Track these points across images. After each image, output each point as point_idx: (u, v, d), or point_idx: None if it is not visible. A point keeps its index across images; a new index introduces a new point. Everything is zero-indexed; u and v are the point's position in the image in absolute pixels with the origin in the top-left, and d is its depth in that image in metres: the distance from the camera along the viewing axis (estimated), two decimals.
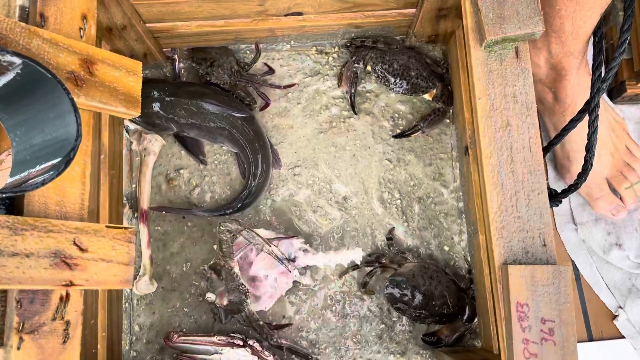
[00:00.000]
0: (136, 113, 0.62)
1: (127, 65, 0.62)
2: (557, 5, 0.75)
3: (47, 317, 0.52)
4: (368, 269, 0.87)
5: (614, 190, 0.92)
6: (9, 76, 0.52)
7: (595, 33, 0.79)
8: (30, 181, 0.49)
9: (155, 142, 0.90)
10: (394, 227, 0.89)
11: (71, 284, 0.53)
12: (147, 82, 0.89)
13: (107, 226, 0.57)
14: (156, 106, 0.87)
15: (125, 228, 0.59)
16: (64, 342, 0.53)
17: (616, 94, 0.95)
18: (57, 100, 0.49)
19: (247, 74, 0.93)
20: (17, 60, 0.50)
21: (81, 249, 0.54)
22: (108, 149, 0.82)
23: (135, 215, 0.90)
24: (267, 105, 0.93)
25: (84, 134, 0.58)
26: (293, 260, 0.83)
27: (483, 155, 0.62)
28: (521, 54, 0.63)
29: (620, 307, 0.92)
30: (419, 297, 0.81)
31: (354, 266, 0.87)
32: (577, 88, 0.87)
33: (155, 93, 0.87)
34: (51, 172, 0.48)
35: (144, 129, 0.91)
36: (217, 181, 0.92)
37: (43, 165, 0.51)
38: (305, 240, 0.87)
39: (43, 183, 0.50)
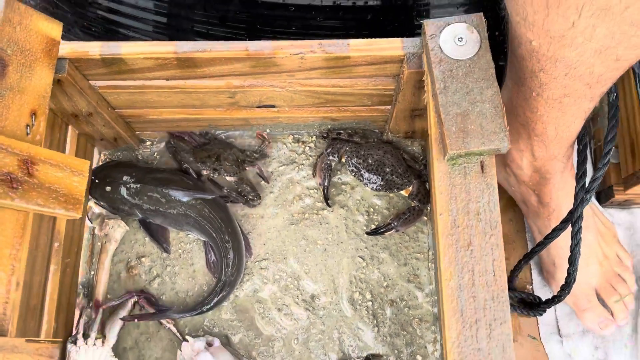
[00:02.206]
0: (77, 215, 0.59)
1: (73, 165, 0.59)
2: (538, 111, 0.72)
3: None
4: None
5: (602, 302, 0.86)
6: None
7: (580, 141, 0.76)
8: None
9: (117, 229, 0.87)
10: (380, 356, 0.83)
11: None
12: (114, 166, 0.88)
13: (27, 340, 0.53)
14: (122, 191, 0.84)
15: (49, 342, 0.54)
16: None
17: (604, 198, 0.91)
18: None
19: (253, 160, 0.91)
20: None
21: None
22: (64, 236, 0.79)
23: (90, 305, 0.85)
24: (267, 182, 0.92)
25: (16, 235, 0.55)
26: None
27: (442, 277, 0.57)
28: (486, 169, 0.60)
29: None
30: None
31: None
32: (562, 192, 0.84)
33: (123, 178, 0.85)
34: None
35: (109, 213, 0.88)
36: (179, 272, 0.88)
37: None
38: None
39: None
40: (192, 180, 0.87)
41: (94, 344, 0.78)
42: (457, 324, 0.56)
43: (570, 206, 0.74)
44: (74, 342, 0.78)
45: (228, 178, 0.89)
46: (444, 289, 0.57)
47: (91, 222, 0.90)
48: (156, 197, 0.84)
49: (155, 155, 0.94)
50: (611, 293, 0.87)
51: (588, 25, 0.52)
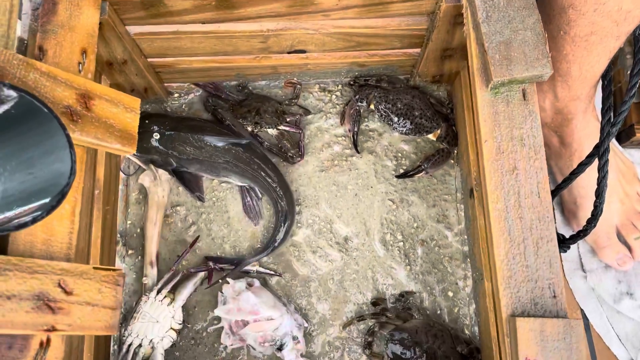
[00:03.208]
0: (132, 150, 0.60)
1: (126, 101, 0.60)
2: (564, 50, 0.74)
3: None
4: (373, 321, 0.83)
5: (622, 239, 0.89)
6: (3, 108, 0.50)
7: (604, 76, 0.77)
8: (17, 220, 0.46)
9: (170, 182, 0.89)
10: (413, 292, 0.86)
11: (53, 329, 0.50)
12: (146, 117, 0.88)
13: (94, 268, 0.54)
14: (156, 141, 0.85)
15: (114, 270, 0.56)
16: None
17: (625, 137, 0.93)
18: (51, 135, 0.47)
19: (292, 111, 0.92)
20: (12, 94, 0.49)
21: (66, 292, 0.52)
22: (103, 185, 0.80)
23: (128, 252, 0.87)
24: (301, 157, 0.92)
25: (77, 170, 0.56)
26: (280, 348, 0.80)
27: (489, 200, 0.59)
28: (528, 96, 0.62)
29: None
30: (420, 355, 0.77)
31: (359, 317, 0.83)
32: (584, 132, 0.86)
33: (155, 127, 0.86)
34: (40, 212, 0.46)
35: (144, 165, 0.90)
36: (214, 219, 0.89)
37: (32, 204, 0.49)
38: (302, 322, 0.83)
39: (33, 221, 0.47)
40: (225, 127, 0.88)
41: (161, 301, 0.80)
42: (505, 243, 0.58)
43: (592, 146, 0.76)
44: (147, 294, 0.81)
45: (270, 131, 0.90)
46: (492, 212, 0.59)
47: (125, 174, 0.91)
48: (191, 144, 0.85)
49: (183, 107, 0.95)
50: (631, 230, 0.89)
51: None
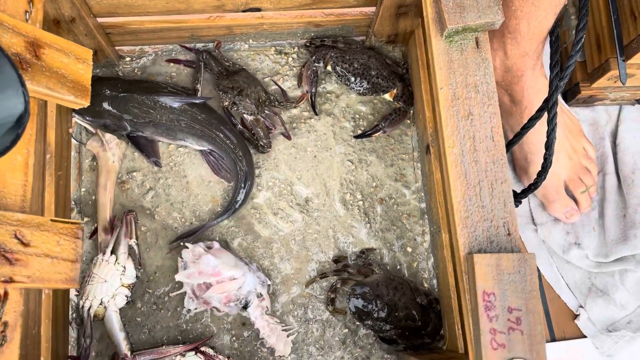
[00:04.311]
0: (86, 103, 0.58)
1: (77, 51, 0.58)
2: (512, 6, 0.76)
3: None
4: (335, 278, 0.84)
5: (570, 194, 0.93)
6: None
7: (551, 32, 0.80)
8: None
9: (120, 146, 0.87)
10: (374, 249, 0.87)
11: (11, 280, 0.48)
12: (97, 80, 0.86)
13: (52, 220, 0.53)
14: (109, 104, 0.83)
15: (72, 223, 0.55)
16: (1, 344, 0.48)
17: (570, 96, 0.98)
18: (1, 75, 0.45)
19: (275, 106, 0.90)
20: None
21: (23, 243, 0.50)
22: (54, 150, 0.78)
23: (84, 220, 0.85)
24: (288, 138, 0.91)
25: (29, 118, 0.54)
26: (245, 307, 0.80)
27: (446, 145, 0.61)
28: (481, 44, 0.63)
29: (581, 307, 0.92)
30: (382, 307, 0.79)
31: (322, 274, 0.84)
32: (533, 89, 0.89)
33: (107, 90, 0.83)
34: None
35: (99, 130, 0.87)
36: (172, 184, 0.88)
37: None
38: (265, 279, 0.83)
39: None
40: (179, 89, 0.87)
41: (107, 261, 0.79)
42: (462, 185, 0.60)
43: (541, 103, 0.79)
44: (95, 257, 0.81)
45: (245, 116, 0.88)
46: (448, 156, 0.61)
47: (76, 140, 0.88)
48: (146, 106, 0.83)
49: (136, 71, 0.92)
50: (578, 185, 0.94)
51: None
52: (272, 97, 0.89)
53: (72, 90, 0.57)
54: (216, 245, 0.83)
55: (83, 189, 0.87)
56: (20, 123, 0.46)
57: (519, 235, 0.59)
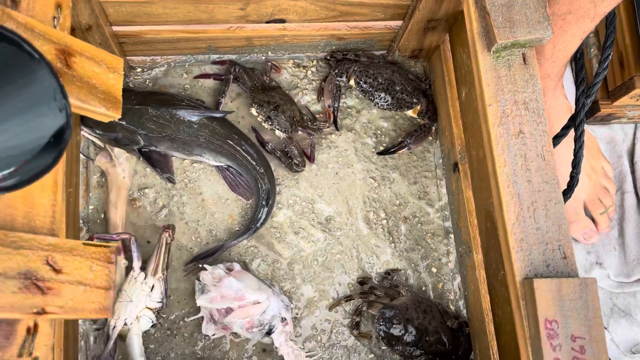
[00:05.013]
0: (117, 115, 0.54)
1: (108, 60, 0.54)
2: None
3: (12, 354, 0.42)
4: (360, 300, 0.80)
5: (589, 215, 0.92)
6: None
7: (576, 51, 0.79)
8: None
9: (130, 161, 0.82)
10: (399, 270, 0.84)
11: (43, 311, 0.43)
12: None
13: (84, 243, 0.48)
14: (120, 117, 0.78)
15: (105, 246, 0.50)
16: None
17: (589, 114, 0.97)
18: (37, 85, 0.41)
19: (309, 127, 0.86)
20: None
21: (55, 270, 0.45)
22: (65, 164, 0.72)
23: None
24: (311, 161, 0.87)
25: None
26: (269, 332, 0.76)
27: (496, 164, 0.58)
28: (529, 60, 0.61)
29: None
30: (412, 331, 0.75)
31: (347, 297, 0.80)
32: (554, 110, 0.88)
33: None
34: (31, 172, 0.40)
35: (108, 145, 0.82)
36: (187, 201, 0.83)
37: (11, 168, 0.42)
38: (289, 303, 0.79)
39: (27, 182, 0.40)
40: (196, 103, 0.83)
41: (135, 278, 0.74)
42: (516, 206, 0.57)
43: (561, 123, 0.78)
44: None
45: (277, 132, 0.84)
46: (499, 176, 0.58)
47: (84, 155, 0.83)
48: (162, 120, 0.79)
49: (147, 82, 0.88)
50: (597, 206, 0.92)
51: None
52: (305, 117, 0.86)
53: (104, 101, 0.53)
54: (237, 267, 0.78)
55: (91, 207, 0.82)
56: (60, 139, 0.41)
57: (575, 259, 0.56)
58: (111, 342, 0.71)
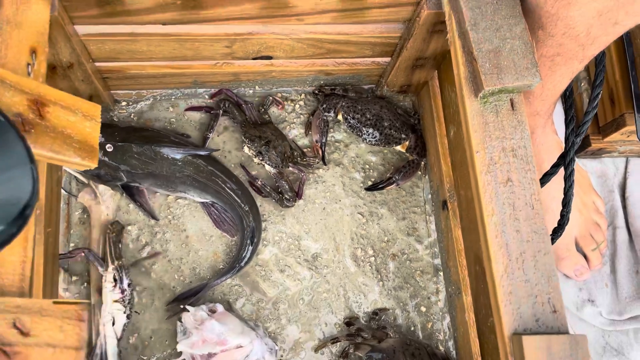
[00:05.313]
0: (93, 164, 0.52)
1: (84, 108, 0.52)
2: None
3: None
4: (347, 342, 0.78)
5: (580, 251, 0.91)
6: None
7: (565, 89, 0.79)
8: None
9: (114, 198, 0.80)
10: (387, 309, 0.82)
11: None
12: None
13: (54, 302, 0.46)
14: (103, 154, 0.76)
15: (77, 303, 0.48)
16: None
17: (580, 148, 0.96)
18: (5, 149, 0.39)
19: (300, 162, 0.85)
20: None
21: (22, 333, 0.43)
22: (44, 204, 0.71)
23: (72, 279, 0.77)
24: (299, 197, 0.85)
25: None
26: None
27: (484, 213, 0.57)
28: (516, 106, 0.60)
29: None
30: None
31: (333, 339, 0.79)
32: (544, 147, 0.87)
33: (102, 138, 0.77)
34: None
35: (92, 181, 0.80)
36: (170, 238, 0.82)
37: None
38: (273, 346, 0.77)
39: None
40: (181, 139, 0.81)
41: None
42: (504, 257, 0.56)
43: (551, 160, 0.77)
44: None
45: (267, 168, 0.83)
46: (487, 225, 0.57)
47: (65, 191, 0.81)
48: (145, 157, 0.77)
49: (132, 116, 0.86)
50: (589, 242, 0.91)
51: None
52: (295, 153, 0.84)
53: (79, 151, 0.51)
54: (220, 308, 0.76)
55: (72, 244, 0.80)
56: (26, 207, 0.40)
57: (564, 313, 0.55)
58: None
